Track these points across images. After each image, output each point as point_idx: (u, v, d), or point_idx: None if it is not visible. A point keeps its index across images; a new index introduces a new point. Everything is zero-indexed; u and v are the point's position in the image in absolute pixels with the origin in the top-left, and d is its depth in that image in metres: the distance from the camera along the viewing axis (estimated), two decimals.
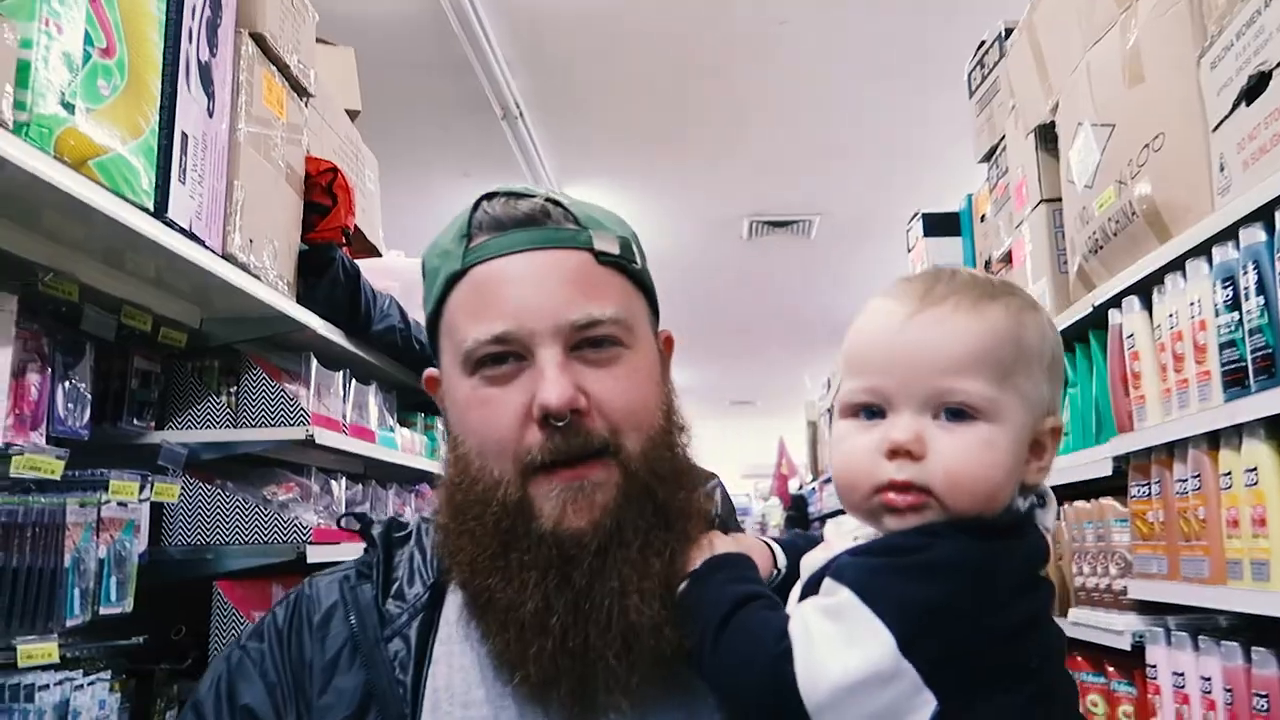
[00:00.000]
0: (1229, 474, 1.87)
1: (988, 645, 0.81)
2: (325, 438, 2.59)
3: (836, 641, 0.81)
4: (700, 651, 0.89)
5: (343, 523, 1.14)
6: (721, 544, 0.98)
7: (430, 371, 1.08)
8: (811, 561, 0.93)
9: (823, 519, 7.52)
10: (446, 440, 1.05)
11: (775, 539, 1.05)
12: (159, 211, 1.93)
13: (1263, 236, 1.77)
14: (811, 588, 0.88)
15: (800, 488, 9.65)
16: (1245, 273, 1.80)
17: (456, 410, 1.00)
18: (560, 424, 0.91)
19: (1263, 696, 1.79)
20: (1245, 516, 1.81)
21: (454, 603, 1.01)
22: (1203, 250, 1.96)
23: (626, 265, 1.01)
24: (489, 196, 1.01)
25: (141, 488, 2.25)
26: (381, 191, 3.59)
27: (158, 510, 2.49)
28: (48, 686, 2.04)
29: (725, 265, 7.96)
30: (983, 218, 3.58)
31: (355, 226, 2.80)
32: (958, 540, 0.83)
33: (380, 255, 3.28)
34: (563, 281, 0.96)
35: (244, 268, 2.27)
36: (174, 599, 2.48)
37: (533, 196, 1.00)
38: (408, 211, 5.21)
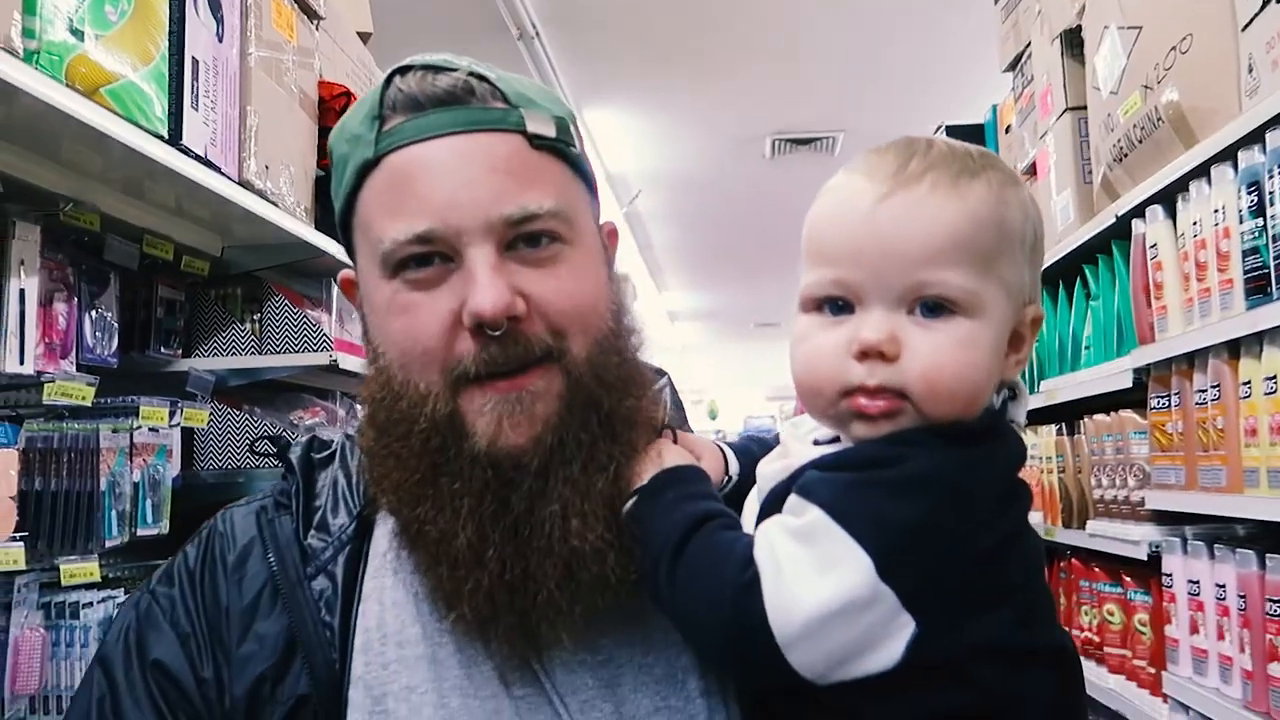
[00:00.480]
0: (1248, 383, 1.86)
1: (970, 563, 0.75)
2: (348, 363, 2.63)
3: (808, 567, 0.74)
4: (653, 580, 0.81)
5: (258, 447, 1.05)
6: (671, 455, 0.89)
7: (346, 274, 0.97)
8: (769, 471, 0.86)
9: None
10: (366, 351, 0.94)
11: (728, 443, 0.98)
12: (173, 139, 1.94)
13: None
14: (773, 503, 0.81)
15: None
16: (1271, 177, 1.76)
17: (376, 317, 0.89)
18: (496, 333, 0.82)
19: (1276, 602, 1.81)
20: (1264, 425, 1.81)
21: (383, 532, 0.92)
22: (1228, 155, 1.92)
23: (565, 149, 0.89)
24: (402, 70, 0.89)
25: (171, 414, 2.30)
26: None
27: (189, 435, 2.56)
28: (91, 604, 2.12)
29: (748, 185, 7.87)
30: (1008, 129, 3.51)
31: None
32: (935, 449, 0.76)
33: None
34: (492, 170, 0.84)
35: (261, 194, 2.28)
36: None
37: (453, 70, 0.88)
38: None
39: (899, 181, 0.79)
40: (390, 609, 0.88)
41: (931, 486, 0.75)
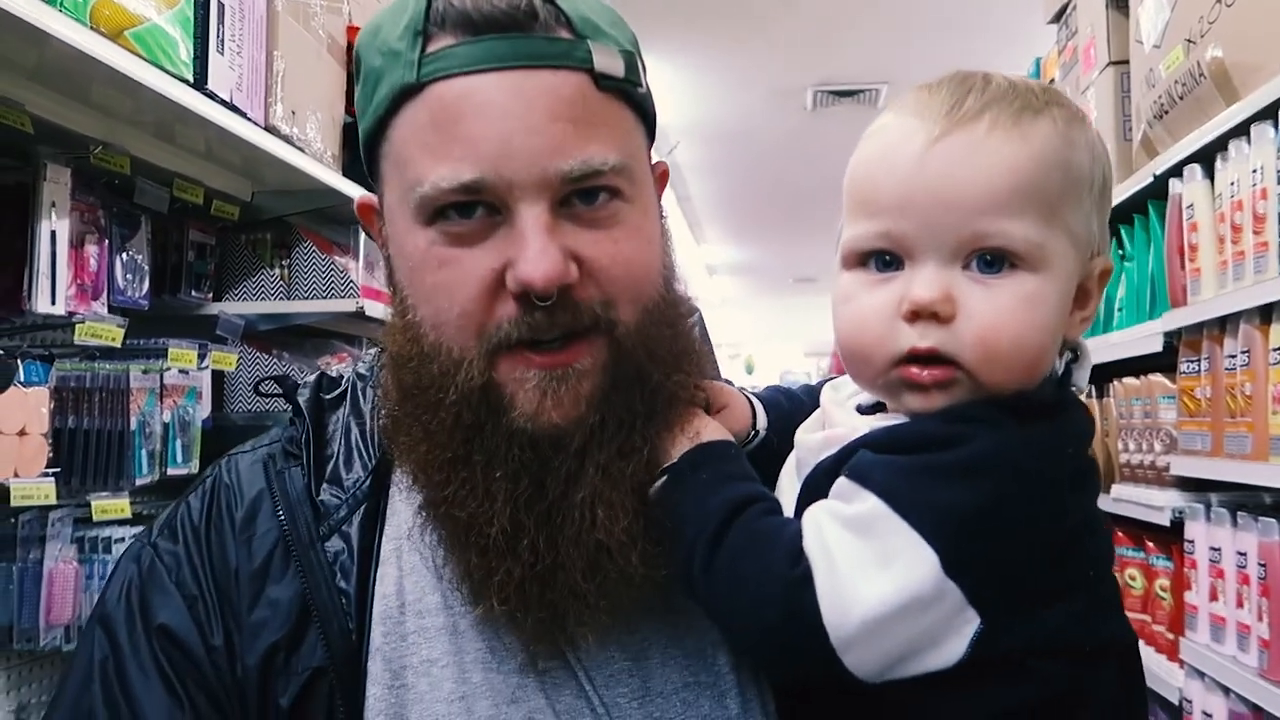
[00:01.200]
0: (1279, 349, 1.81)
1: (1039, 555, 0.69)
2: (375, 310, 2.65)
3: (867, 562, 0.67)
4: (688, 571, 0.74)
5: (262, 388, 0.94)
6: (707, 430, 0.80)
7: (366, 198, 0.88)
8: (810, 441, 0.79)
9: None
10: (391, 297, 0.86)
11: (756, 394, 0.91)
12: (199, 83, 1.95)
13: None
14: (818, 482, 0.75)
15: None
16: None
17: (406, 265, 0.80)
18: (544, 303, 0.75)
19: None
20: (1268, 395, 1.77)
21: (401, 488, 0.85)
22: (1270, 114, 1.86)
23: (631, 90, 0.80)
24: None
25: (200, 356, 2.34)
26: None
27: (220, 378, 2.61)
28: (123, 539, 2.19)
29: (788, 138, 7.76)
30: (1051, 82, 3.42)
31: None
32: (997, 427, 0.69)
33: None
34: (553, 117, 0.75)
35: (287, 139, 2.29)
36: None
37: None
38: None
39: (953, 121, 0.71)
40: (409, 575, 0.82)
41: (996, 471, 0.68)
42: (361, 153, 0.86)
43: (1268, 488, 1.96)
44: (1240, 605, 1.97)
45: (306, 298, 2.62)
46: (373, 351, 0.93)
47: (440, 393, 0.78)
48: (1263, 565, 1.90)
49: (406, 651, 0.80)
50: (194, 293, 2.51)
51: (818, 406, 0.86)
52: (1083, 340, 0.78)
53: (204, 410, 2.48)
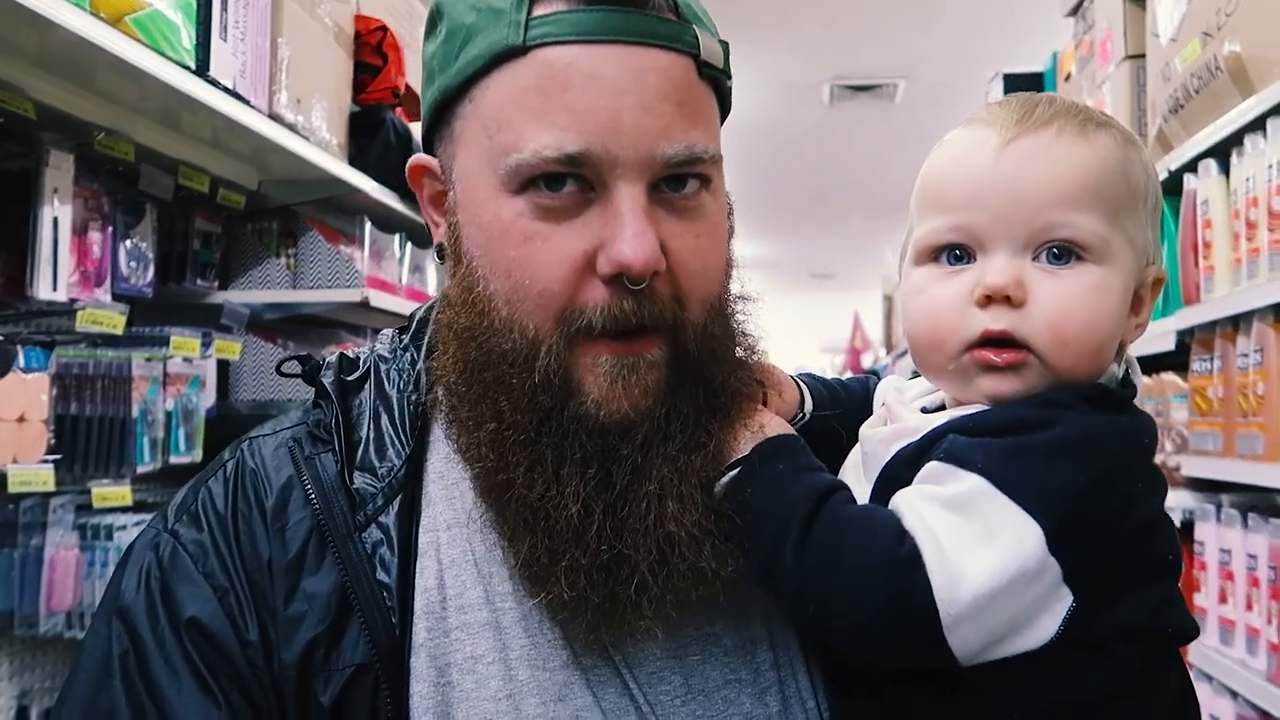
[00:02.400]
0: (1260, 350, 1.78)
1: (1130, 535, 0.72)
2: (381, 300, 2.65)
3: (973, 539, 0.69)
4: (774, 560, 0.74)
5: (285, 368, 0.90)
6: (771, 424, 0.81)
7: (422, 159, 0.84)
8: (876, 435, 0.81)
9: None
10: (451, 264, 0.82)
11: (798, 377, 0.91)
12: (201, 70, 1.94)
13: None
14: (898, 470, 0.76)
15: (874, 362, 9.57)
16: None
17: (483, 235, 0.77)
18: (636, 288, 0.73)
19: None
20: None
21: (435, 476, 0.83)
22: None
23: (723, 81, 0.80)
24: None
25: (204, 345, 2.34)
26: None
27: (225, 367, 2.61)
28: (125, 527, 2.19)
29: (805, 132, 7.71)
30: (1068, 77, 3.37)
31: (408, 87, 2.78)
32: (1085, 413, 0.72)
33: None
34: (663, 98, 0.73)
35: (292, 128, 2.28)
36: None
37: None
38: None
39: (1024, 127, 0.76)
40: (449, 569, 0.80)
41: (1091, 451, 0.71)
42: (427, 111, 0.82)
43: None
44: (1250, 608, 1.94)
45: (312, 287, 2.61)
46: (389, 332, 0.90)
47: (514, 371, 0.76)
48: (1273, 568, 1.86)
49: (450, 648, 0.78)
50: (199, 281, 2.51)
51: (850, 394, 0.92)
52: (1132, 356, 0.82)
53: (208, 399, 2.48)
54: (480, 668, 0.77)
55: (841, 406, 0.91)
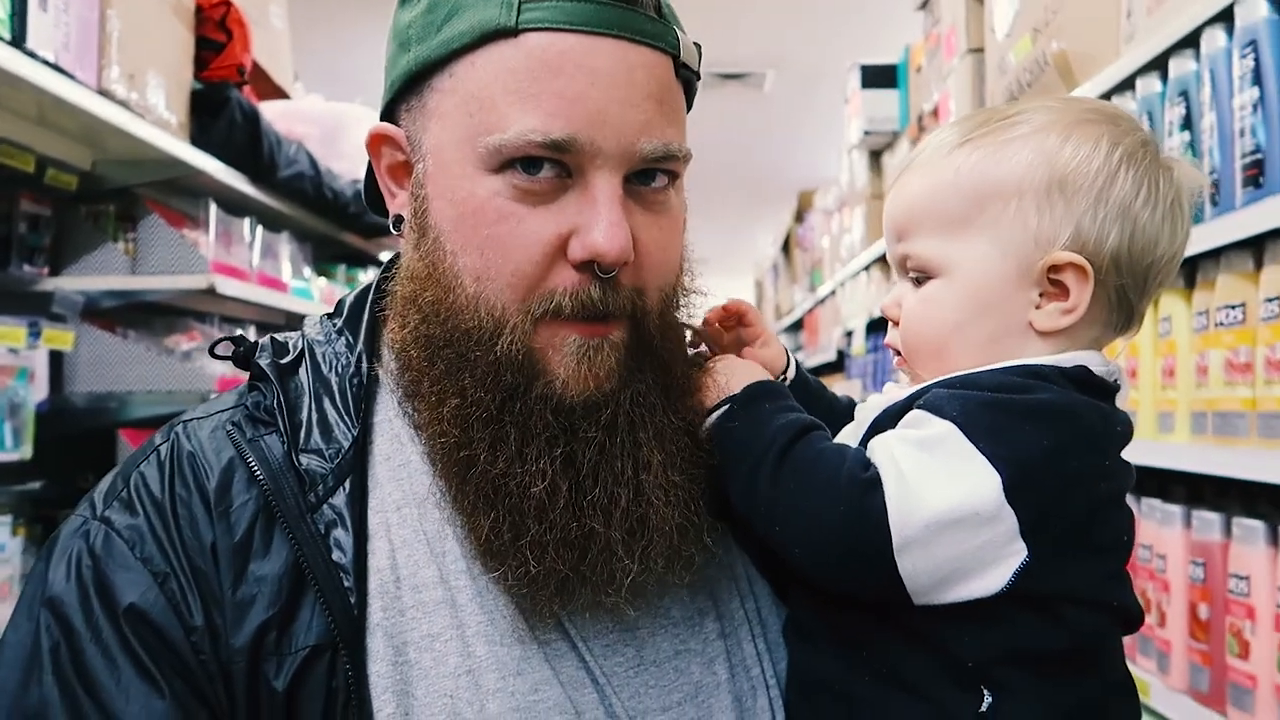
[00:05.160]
0: None
1: (1088, 503, 0.77)
2: (229, 287, 2.55)
3: (936, 472, 0.73)
4: (749, 486, 0.79)
5: (217, 350, 0.88)
6: (751, 371, 0.86)
7: (386, 129, 0.83)
8: (870, 405, 0.87)
9: None
10: (414, 237, 0.81)
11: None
12: (17, 41, 1.82)
13: (1158, 87, 1.74)
14: (883, 426, 0.81)
15: None
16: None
17: (455, 210, 0.77)
18: (606, 275, 0.75)
19: (1146, 548, 1.86)
20: (1154, 368, 1.84)
21: (381, 458, 0.82)
22: (1104, 100, 1.93)
23: (694, 83, 0.83)
24: None
25: (30, 334, 2.21)
26: (302, 32, 3.43)
27: (58, 358, 2.46)
28: None
29: None
30: (919, 69, 3.50)
31: (256, 65, 2.68)
32: (1064, 388, 0.77)
33: (289, 98, 3.15)
34: (648, 94, 0.76)
35: (125, 105, 2.17)
36: (79, 447, 2.48)
37: None
38: (327, 54, 4.98)
39: (911, 161, 0.87)
40: (401, 549, 0.80)
41: (1062, 420, 0.75)
42: (397, 79, 0.82)
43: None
44: None
45: (153, 273, 2.49)
46: (315, 317, 0.90)
47: (478, 349, 0.77)
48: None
49: (407, 626, 0.78)
50: (26, 267, 2.36)
51: (835, 399, 1.00)
52: (1118, 367, 0.84)
53: (39, 392, 2.34)
54: (438, 645, 0.77)
55: (825, 399, 0.97)
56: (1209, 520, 1.64)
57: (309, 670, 0.75)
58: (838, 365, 5.17)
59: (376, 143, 0.84)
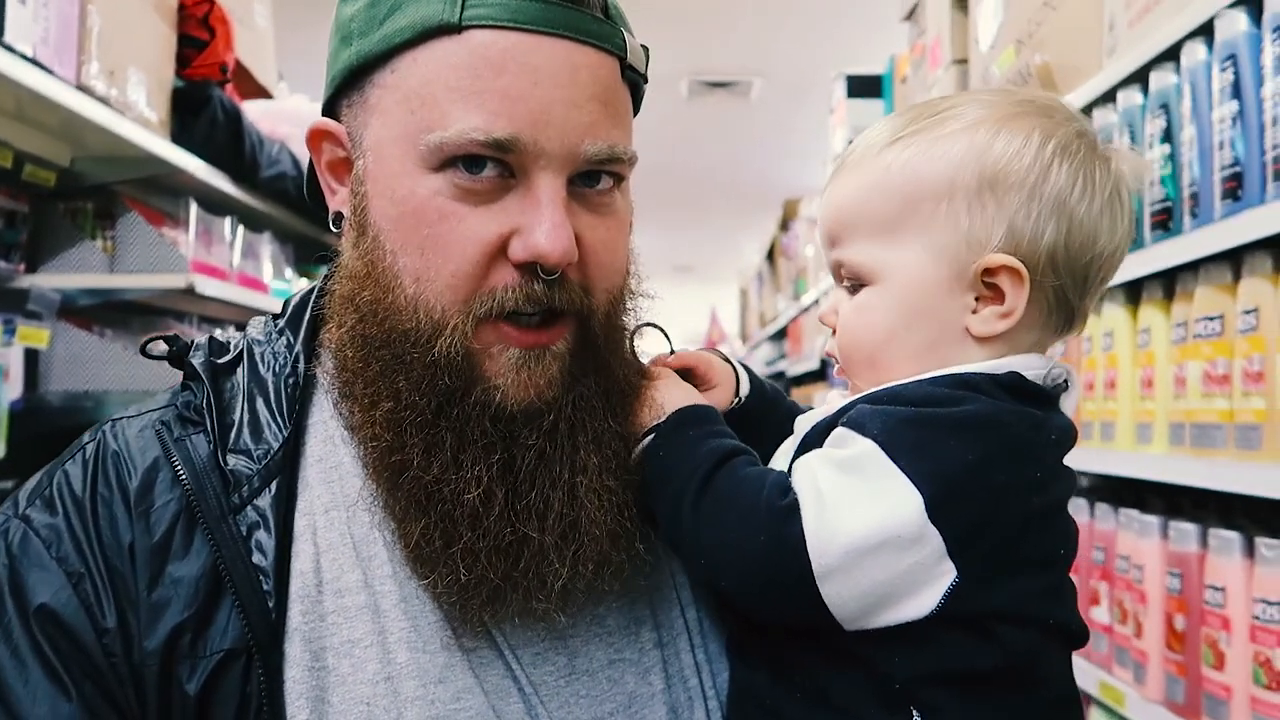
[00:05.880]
0: (1089, 339, 1.90)
1: (1019, 520, 0.73)
2: (208, 287, 2.52)
3: (855, 496, 0.71)
4: (674, 516, 0.77)
5: (150, 349, 0.86)
6: (677, 394, 0.84)
7: (327, 124, 0.82)
8: (805, 419, 0.85)
9: None
10: (353, 235, 0.80)
11: (742, 366, 0.94)
12: None
13: (1139, 99, 1.75)
14: (813, 441, 0.79)
15: (730, 355, 9.77)
16: (1122, 137, 1.78)
17: (396, 209, 0.76)
18: (549, 277, 0.74)
19: (1124, 558, 1.87)
20: (1100, 380, 1.85)
21: (313, 459, 0.81)
22: (1085, 113, 1.94)
23: (640, 85, 0.83)
24: None
25: (5, 331, 2.18)
26: (287, 33, 3.41)
27: (33, 356, 2.43)
28: None
29: (665, 127, 7.78)
30: (904, 79, 3.51)
31: (239, 64, 2.66)
32: (995, 398, 0.74)
33: (271, 98, 3.13)
34: (593, 95, 0.75)
35: (104, 101, 2.15)
36: (54, 446, 2.44)
37: None
38: (312, 55, 4.96)
39: (840, 165, 0.84)
40: (326, 552, 0.78)
41: (988, 432, 0.72)
42: (338, 73, 0.80)
43: (1087, 472, 2.05)
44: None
45: (131, 271, 2.47)
46: (260, 319, 0.88)
47: (415, 350, 0.75)
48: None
49: (326, 632, 0.76)
50: (2, 263, 2.33)
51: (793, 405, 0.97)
52: (1070, 370, 0.82)
53: (13, 390, 2.31)
54: (358, 651, 0.76)
55: (783, 406, 0.94)
56: (1186, 531, 1.65)
57: (223, 675, 0.74)
58: (820, 374, 5.18)
59: (317, 138, 0.83)
